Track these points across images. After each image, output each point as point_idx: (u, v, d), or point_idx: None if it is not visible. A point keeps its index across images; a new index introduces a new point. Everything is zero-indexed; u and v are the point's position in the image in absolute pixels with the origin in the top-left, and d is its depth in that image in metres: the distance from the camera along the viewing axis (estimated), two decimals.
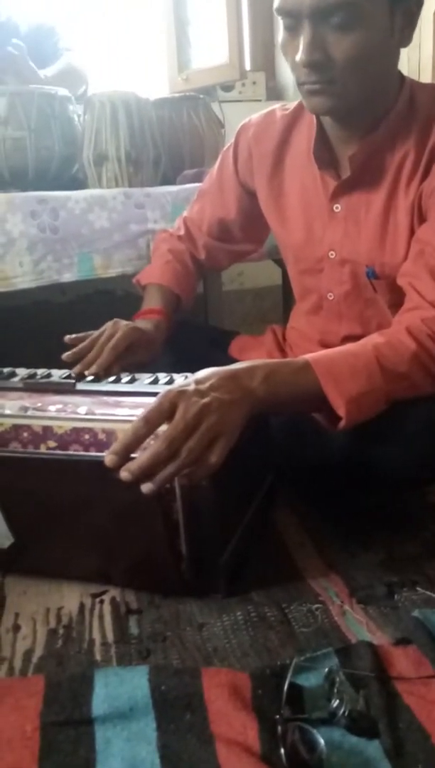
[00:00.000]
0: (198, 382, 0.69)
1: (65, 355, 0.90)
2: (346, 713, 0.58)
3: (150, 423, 0.65)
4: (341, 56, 0.75)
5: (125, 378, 0.90)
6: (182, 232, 1.13)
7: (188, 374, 0.88)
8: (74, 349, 0.90)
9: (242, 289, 1.90)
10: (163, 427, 0.66)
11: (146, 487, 0.64)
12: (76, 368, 0.88)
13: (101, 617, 0.73)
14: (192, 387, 0.68)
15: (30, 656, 0.68)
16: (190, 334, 1.14)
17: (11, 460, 0.71)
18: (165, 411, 0.66)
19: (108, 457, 0.64)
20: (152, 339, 0.97)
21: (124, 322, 0.93)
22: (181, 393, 0.67)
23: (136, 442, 0.65)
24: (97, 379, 0.91)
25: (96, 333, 0.92)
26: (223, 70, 1.66)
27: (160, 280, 1.07)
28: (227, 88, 1.82)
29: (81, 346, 0.90)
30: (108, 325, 0.93)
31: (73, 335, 0.93)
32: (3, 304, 1.32)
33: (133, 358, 0.92)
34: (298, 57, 0.75)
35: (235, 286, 1.88)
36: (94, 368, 0.87)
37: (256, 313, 1.95)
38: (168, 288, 1.06)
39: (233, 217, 1.08)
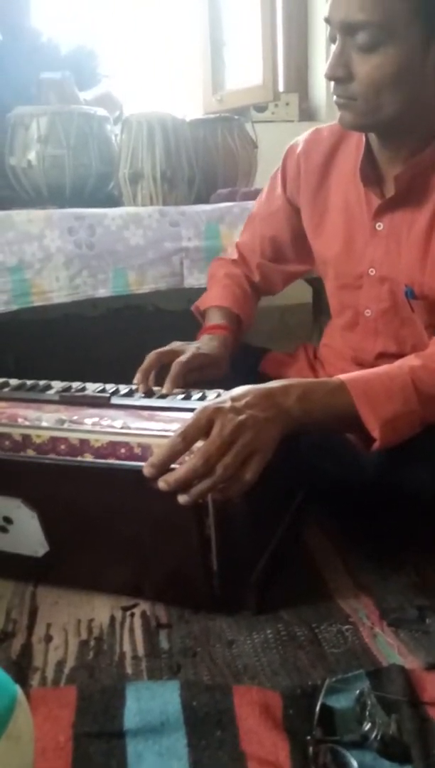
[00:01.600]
0: (234, 399, 0.70)
1: (137, 377, 0.91)
2: (378, 737, 0.57)
3: (187, 439, 0.66)
4: (362, 75, 0.77)
5: (158, 393, 0.91)
6: (236, 256, 1.14)
7: (221, 390, 0.89)
8: (142, 368, 0.91)
9: (270, 306, 1.90)
10: (200, 443, 0.68)
11: (182, 498, 0.65)
12: (143, 386, 0.89)
13: (132, 630, 0.74)
14: (228, 404, 0.69)
15: (62, 667, 0.68)
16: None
17: (51, 468, 0.72)
18: (202, 427, 0.67)
19: (146, 467, 0.66)
20: (220, 357, 0.97)
21: (191, 345, 0.95)
22: (218, 410, 0.68)
23: (173, 456, 0.66)
24: (131, 393, 0.92)
25: (161, 350, 0.93)
26: (257, 92, 1.69)
27: (220, 302, 1.08)
28: (260, 108, 1.84)
29: (147, 363, 0.91)
30: (174, 345, 0.94)
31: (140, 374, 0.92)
32: (36, 317, 1.35)
33: (200, 376, 0.92)
34: (325, 69, 0.78)
35: (263, 303, 1.89)
36: (167, 386, 0.87)
37: (284, 330, 1.95)
38: (228, 309, 1.07)
39: (284, 237, 1.09)
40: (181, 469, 0.65)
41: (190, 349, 0.95)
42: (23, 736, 0.41)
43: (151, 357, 0.93)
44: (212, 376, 0.93)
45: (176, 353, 0.93)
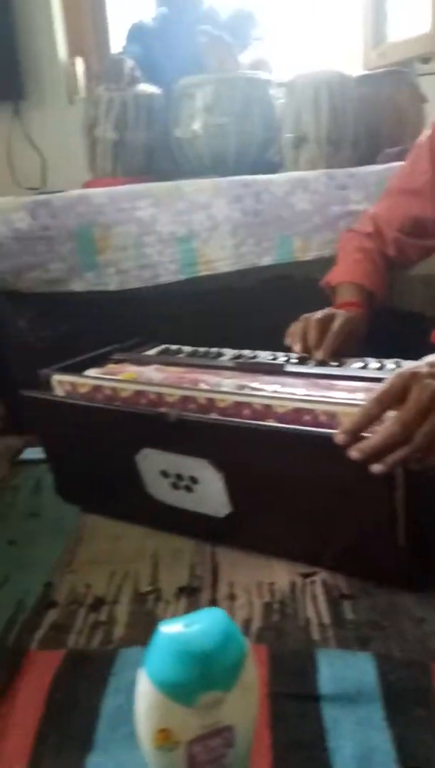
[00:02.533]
0: (431, 365, 0.67)
1: (288, 340, 0.92)
2: None
3: (383, 404, 0.64)
4: None
5: (333, 362, 0.89)
6: (371, 229, 1.09)
7: (400, 360, 0.84)
8: (296, 332, 0.92)
9: (430, 274, 1.79)
10: (392, 412, 0.65)
11: (376, 468, 0.63)
12: (321, 353, 0.89)
13: (314, 598, 0.73)
14: (425, 370, 0.65)
15: (249, 625, 0.70)
16: (387, 319, 1.10)
17: (240, 431, 0.73)
18: (397, 393, 0.64)
19: (339, 435, 0.64)
20: (358, 331, 0.95)
21: (341, 311, 0.94)
22: (415, 375, 0.65)
23: (367, 422, 0.64)
24: (304, 361, 0.91)
25: (313, 317, 0.93)
26: (423, 41, 1.58)
27: (352, 278, 1.04)
28: (426, 60, 1.71)
29: (302, 329, 0.91)
30: (325, 312, 0.94)
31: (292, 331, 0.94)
32: (190, 289, 1.37)
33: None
34: None
35: (423, 270, 1.78)
36: (320, 353, 0.87)
37: None
38: (361, 284, 1.03)
39: (428, 215, 1.02)
40: (377, 436, 0.63)
41: (341, 312, 0.93)
42: (252, 686, 0.42)
43: (312, 323, 0.92)
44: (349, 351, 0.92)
45: (331, 317, 0.92)
